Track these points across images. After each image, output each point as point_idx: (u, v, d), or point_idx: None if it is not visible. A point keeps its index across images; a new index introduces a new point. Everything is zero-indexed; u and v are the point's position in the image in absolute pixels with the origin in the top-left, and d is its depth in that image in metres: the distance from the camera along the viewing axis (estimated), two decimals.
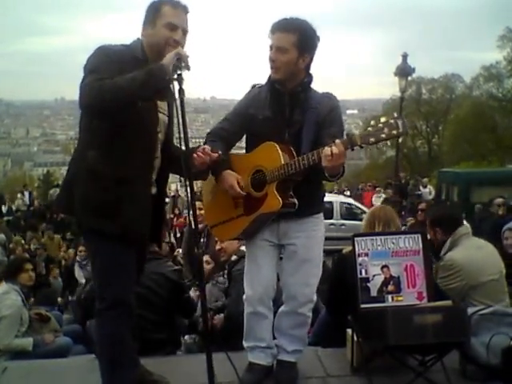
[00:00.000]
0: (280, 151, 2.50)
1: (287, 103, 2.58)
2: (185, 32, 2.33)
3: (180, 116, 2.13)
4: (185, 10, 2.35)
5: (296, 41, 2.46)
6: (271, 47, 2.51)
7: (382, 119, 2.22)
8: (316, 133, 2.48)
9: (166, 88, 2.26)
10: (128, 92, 2.13)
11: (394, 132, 2.16)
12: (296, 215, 2.60)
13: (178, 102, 2.13)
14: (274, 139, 2.54)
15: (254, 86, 2.70)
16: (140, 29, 2.38)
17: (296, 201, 2.53)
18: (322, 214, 2.77)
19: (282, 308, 2.78)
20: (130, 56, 2.29)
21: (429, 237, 3.52)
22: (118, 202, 2.27)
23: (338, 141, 2.24)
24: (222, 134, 2.68)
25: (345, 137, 2.33)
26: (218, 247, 4.13)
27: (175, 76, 2.14)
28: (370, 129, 2.21)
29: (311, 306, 2.74)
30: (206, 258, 4.47)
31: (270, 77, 2.62)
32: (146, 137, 2.34)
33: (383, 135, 2.18)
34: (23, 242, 11.07)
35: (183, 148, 2.16)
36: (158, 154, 2.41)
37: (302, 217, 2.63)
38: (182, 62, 2.14)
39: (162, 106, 2.43)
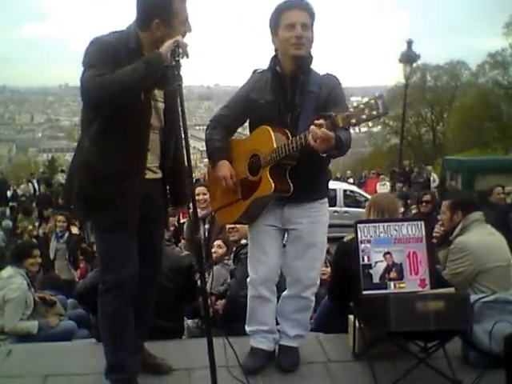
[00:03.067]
0: (273, 135, 2.49)
1: (289, 86, 2.57)
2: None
3: (179, 103, 2.15)
4: None
5: (311, 21, 2.53)
6: (292, 25, 2.47)
7: (364, 99, 2.17)
8: (315, 117, 2.44)
9: (164, 75, 2.26)
10: (130, 84, 2.16)
11: (374, 112, 2.12)
12: (300, 200, 2.60)
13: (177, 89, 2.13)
14: (275, 123, 2.54)
15: (255, 72, 2.70)
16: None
17: (291, 186, 2.52)
18: (326, 200, 2.76)
19: (285, 292, 2.80)
20: (122, 46, 2.29)
21: (440, 221, 3.54)
22: (111, 196, 2.32)
23: (321, 121, 2.19)
24: (224, 121, 2.71)
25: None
26: (231, 225, 4.13)
27: (173, 63, 2.14)
28: (351, 110, 2.17)
29: (315, 289, 2.76)
30: (218, 242, 4.48)
31: (272, 59, 2.62)
32: (137, 129, 2.35)
33: (364, 116, 2.14)
34: (31, 227, 11.09)
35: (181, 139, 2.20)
36: (152, 143, 2.41)
37: (306, 202, 2.63)
38: (179, 49, 2.14)
39: (158, 94, 2.43)
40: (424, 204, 6.32)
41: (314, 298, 2.79)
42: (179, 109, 2.18)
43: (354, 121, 2.16)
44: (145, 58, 2.21)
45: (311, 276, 2.71)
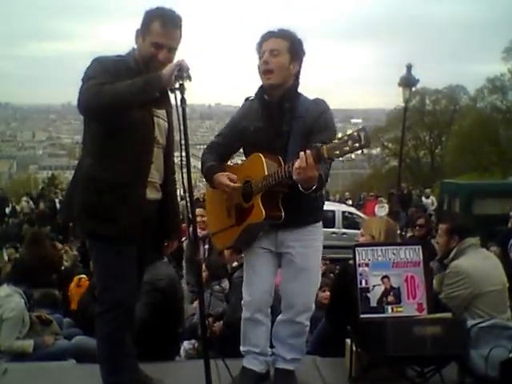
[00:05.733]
0: (265, 162, 2.51)
1: (276, 113, 2.61)
2: (171, 50, 2.38)
3: (182, 125, 2.19)
4: (175, 26, 2.38)
5: (288, 46, 2.55)
6: (263, 53, 2.55)
7: (348, 131, 2.20)
8: (303, 143, 2.47)
9: (162, 96, 2.31)
10: (125, 97, 2.21)
11: (357, 145, 2.13)
12: (293, 225, 2.62)
13: (180, 111, 2.18)
14: (265, 149, 2.57)
15: (246, 99, 2.75)
16: (134, 35, 2.44)
17: (282, 213, 2.52)
18: (320, 224, 2.76)
19: (279, 316, 2.80)
20: (124, 66, 2.37)
21: (436, 245, 3.57)
22: (114, 206, 2.34)
23: (308, 152, 2.22)
24: (217, 149, 2.76)
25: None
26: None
27: (177, 85, 2.19)
28: (336, 141, 2.19)
29: (309, 315, 2.74)
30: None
31: (259, 88, 2.67)
32: (141, 143, 2.39)
33: (347, 148, 2.16)
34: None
35: (183, 154, 2.22)
36: (154, 158, 2.45)
37: (298, 226, 2.64)
38: (183, 73, 2.20)
39: (161, 112, 2.49)
40: (418, 228, 6.15)
41: (308, 323, 2.76)
42: (182, 133, 2.21)
43: (337, 152, 2.17)
44: (146, 76, 2.27)
45: (305, 301, 2.69)
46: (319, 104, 2.61)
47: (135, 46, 2.45)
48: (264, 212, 2.48)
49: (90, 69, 2.32)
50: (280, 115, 2.60)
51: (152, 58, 2.35)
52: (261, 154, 2.55)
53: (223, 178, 2.61)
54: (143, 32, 2.39)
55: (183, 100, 2.18)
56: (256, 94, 2.69)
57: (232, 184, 2.59)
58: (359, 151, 2.14)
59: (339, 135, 2.20)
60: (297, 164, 2.23)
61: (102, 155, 2.35)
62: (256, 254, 2.71)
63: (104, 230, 2.34)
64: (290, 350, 2.76)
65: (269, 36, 2.57)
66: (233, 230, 2.67)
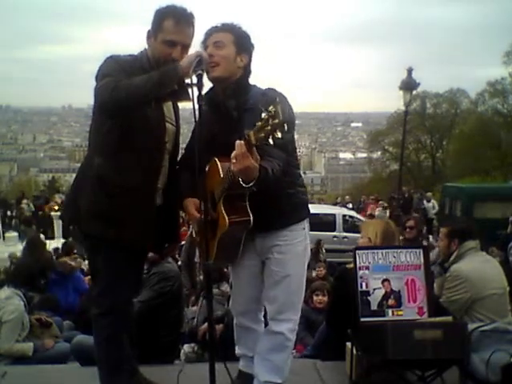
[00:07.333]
0: (220, 166, 2.31)
1: (224, 113, 2.40)
2: (185, 47, 2.35)
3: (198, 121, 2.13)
4: (188, 22, 2.34)
5: (233, 38, 2.39)
6: (206, 48, 2.37)
7: (270, 107, 1.92)
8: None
9: (180, 88, 2.26)
10: (143, 90, 2.16)
11: (276, 121, 1.90)
12: (267, 229, 2.42)
13: (197, 107, 2.11)
14: (225, 151, 2.26)
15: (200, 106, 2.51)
16: (145, 36, 2.41)
17: (250, 217, 2.28)
18: (300, 225, 2.50)
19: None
20: (137, 66, 2.34)
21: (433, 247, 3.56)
22: (124, 210, 2.31)
23: (238, 142, 2.03)
24: (186, 163, 2.49)
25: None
26: None
27: (194, 81, 2.13)
28: (259, 123, 1.96)
29: (290, 326, 2.49)
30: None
31: (208, 91, 2.40)
32: (154, 146, 2.37)
33: (268, 127, 1.92)
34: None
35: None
36: (164, 163, 2.44)
37: (274, 230, 2.45)
38: (202, 65, 2.14)
39: (170, 116, 2.47)
40: (408, 230, 5.89)
41: (291, 337, 2.50)
42: (197, 129, 2.16)
43: (262, 135, 1.95)
44: (162, 68, 2.23)
45: (283, 310, 2.46)
46: (267, 94, 2.35)
47: (146, 47, 2.41)
48: (227, 218, 2.24)
49: (105, 66, 2.28)
50: (229, 115, 2.38)
51: (165, 56, 2.30)
52: (216, 159, 2.35)
53: (191, 207, 2.42)
54: (155, 31, 2.34)
55: (200, 97, 2.09)
56: (201, 101, 2.41)
57: (197, 215, 2.37)
58: (283, 127, 1.90)
59: (263, 115, 1.93)
60: (232, 154, 2.04)
61: (114, 156, 2.31)
62: (238, 264, 2.56)
63: (111, 234, 2.32)
64: (267, 371, 2.49)
65: (212, 31, 2.40)
66: (211, 243, 2.33)
